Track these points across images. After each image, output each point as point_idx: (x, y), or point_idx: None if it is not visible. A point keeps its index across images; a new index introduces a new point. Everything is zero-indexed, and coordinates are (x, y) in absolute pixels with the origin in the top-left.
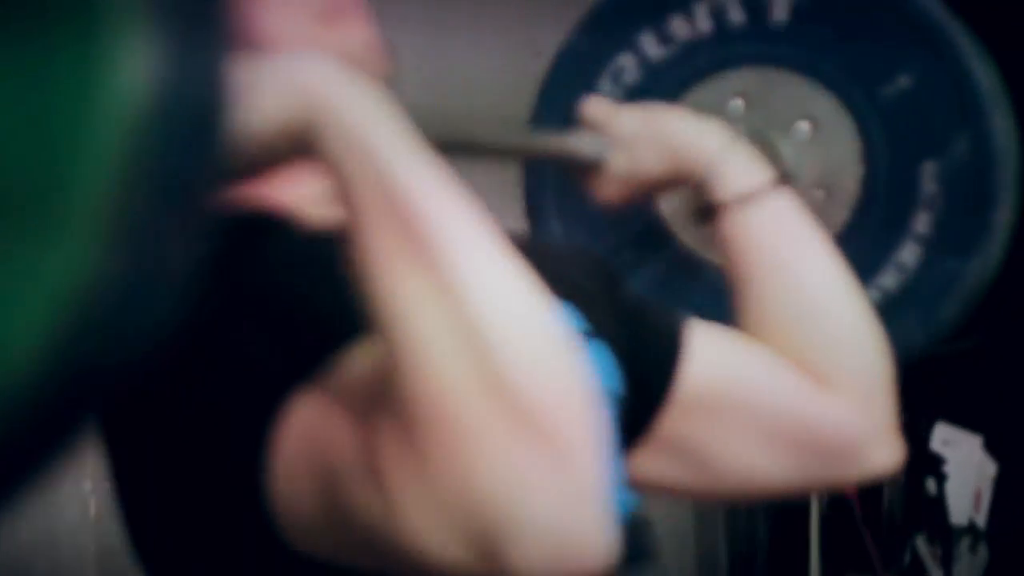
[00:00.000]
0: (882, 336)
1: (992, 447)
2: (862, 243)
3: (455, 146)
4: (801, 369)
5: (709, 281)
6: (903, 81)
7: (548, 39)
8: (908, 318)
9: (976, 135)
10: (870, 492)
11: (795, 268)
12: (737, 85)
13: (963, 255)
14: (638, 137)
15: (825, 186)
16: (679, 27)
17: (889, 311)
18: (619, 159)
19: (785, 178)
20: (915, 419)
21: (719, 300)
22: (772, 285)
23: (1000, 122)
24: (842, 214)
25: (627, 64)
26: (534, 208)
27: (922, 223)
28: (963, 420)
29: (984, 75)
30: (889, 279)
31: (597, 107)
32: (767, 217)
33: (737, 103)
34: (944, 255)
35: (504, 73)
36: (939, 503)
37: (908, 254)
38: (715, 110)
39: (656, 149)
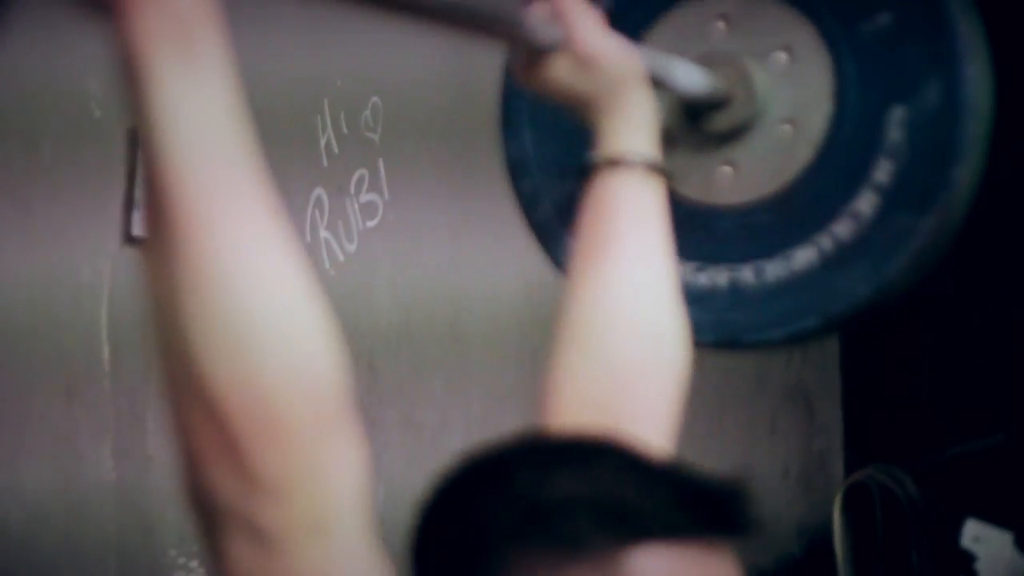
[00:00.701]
0: (676, 370)
1: (1023, 544)
2: (821, 187)
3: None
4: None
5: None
6: (882, 20)
7: None
8: (857, 270)
9: (947, 84)
10: None
11: (621, 257)
12: (720, 8)
13: (920, 210)
14: (583, 49)
15: (792, 121)
16: None
17: (839, 261)
18: (558, 60)
19: (662, 169)
20: (946, 517)
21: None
22: (596, 260)
23: (974, 72)
24: (805, 153)
25: None
26: (508, 117)
27: (883, 172)
28: (994, 517)
29: (963, 22)
30: (843, 227)
31: (566, 6)
32: (622, 194)
33: (718, 26)
34: (901, 208)
35: None
36: None
37: (865, 203)
38: (696, 31)
39: (581, 70)
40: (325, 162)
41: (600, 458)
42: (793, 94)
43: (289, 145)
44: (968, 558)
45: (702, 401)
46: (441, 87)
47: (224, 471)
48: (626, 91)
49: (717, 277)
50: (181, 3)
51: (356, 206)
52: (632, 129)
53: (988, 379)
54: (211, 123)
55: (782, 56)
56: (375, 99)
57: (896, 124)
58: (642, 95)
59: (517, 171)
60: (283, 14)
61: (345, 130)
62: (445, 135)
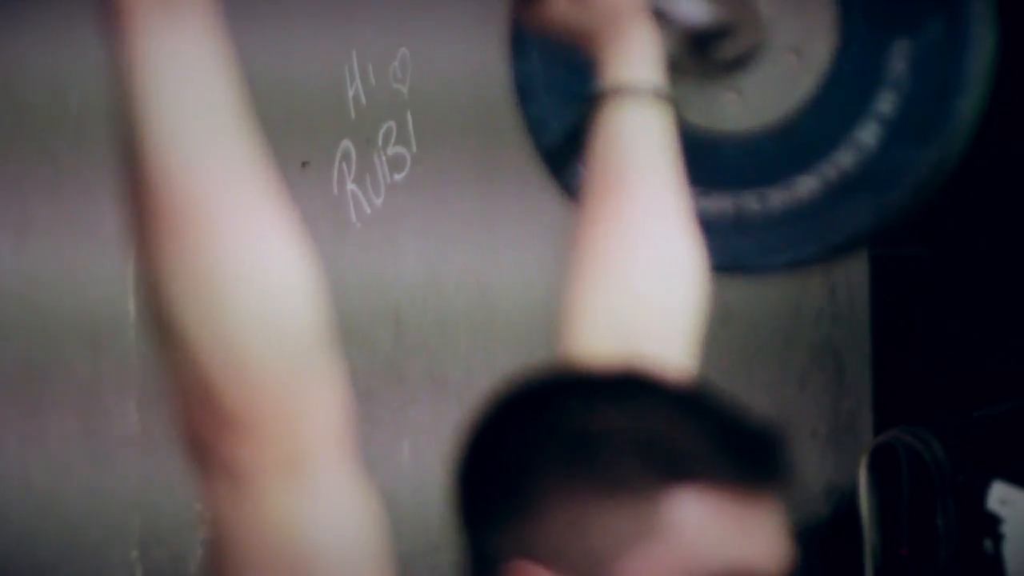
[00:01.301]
0: (692, 294)
1: None
2: (825, 117)
3: None
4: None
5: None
6: None
7: None
8: (859, 200)
9: (951, 17)
10: (925, 551)
11: (631, 185)
12: None
13: (922, 142)
14: None
15: (797, 51)
16: None
17: (842, 190)
18: None
19: (667, 96)
20: (972, 479)
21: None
22: (606, 188)
23: (977, 6)
24: (809, 83)
25: None
26: (515, 40)
27: (886, 103)
28: (1020, 480)
29: None
30: (846, 157)
31: None
32: (628, 123)
33: None
34: (903, 139)
35: None
36: (997, 563)
37: (868, 134)
38: None
39: (578, 3)
40: (353, 114)
41: (644, 393)
42: (797, 23)
43: (317, 97)
44: (994, 520)
45: (731, 358)
46: (471, 39)
47: (198, 408)
48: (625, 22)
49: (721, 203)
50: (179, 15)
51: (384, 159)
52: (635, 58)
53: (1018, 341)
54: (195, 78)
55: None
56: (403, 50)
57: (900, 56)
58: (643, 24)
59: (525, 96)
60: None
61: (373, 81)
62: (474, 88)
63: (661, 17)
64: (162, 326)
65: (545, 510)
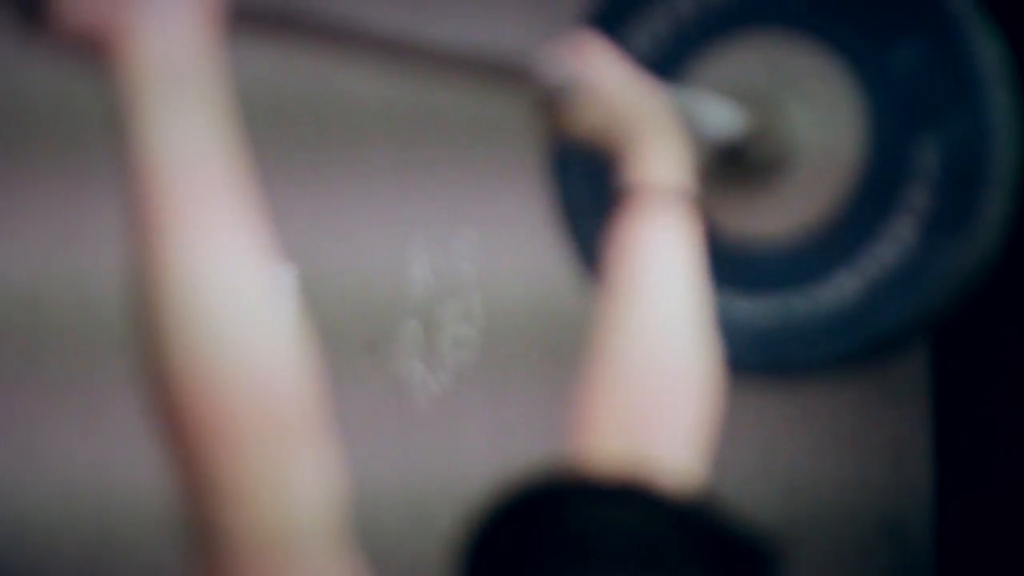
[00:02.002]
0: (704, 394)
1: None
2: (861, 213)
3: (420, 59)
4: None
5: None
6: (909, 50)
7: None
8: (902, 294)
9: (975, 109)
10: None
11: (647, 285)
12: (752, 44)
13: (956, 232)
14: (598, 88)
15: (828, 150)
16: None
17: (884, 285)
18: (577, 102)
19: (690, 198)
20: None
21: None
22: (623, 288)
23: (1000, 98)
24: (842, 180)
25: (658, 16)
26: (558, 165)
27: (918, 196)
28: None
29: (988, 49)
30: (886, 251)
31: (581, 47)
32: (647, 223)
33: (752, 61)
34: (938, 230)
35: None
36: None
37: (904, 228)
38: (730, 67)
39: (604, 107)
40: (418, 295)
41: (646, 501)
42: (826, 123)
43: (381, 278)
44: None
45: (793, 530)
46: (535, 221)
47: (185, 473)
48: (649, 127)
49: (768, 305)
50: (174, 42)
51: (448, 340)
52: (660, 160)
53: None
54: (199, 152)
55: (814, 87)
56: (468, 231)
57: (927, 149)
58: (667, 129)
59: (571, 216)
60: (373, 152)
61: (437, 262)
62: (539, 270)
63: (693, 130)
64: (152, 385)
65: None
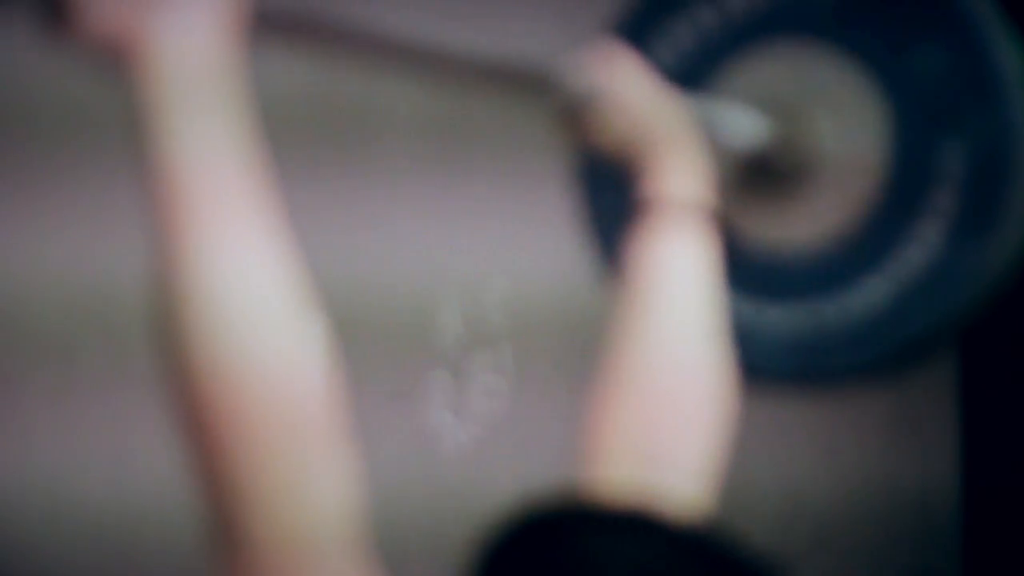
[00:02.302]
0: (715, 406)
1: None
2: (888, 217)
3: (445, 66)
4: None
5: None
6: (929, 56)
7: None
8: (931, 296)
9: (996, 111)
10: None
11: (661, 297)
12: (776, 54)
13: (983, 232)
14: (621, 99)
15: (853, 157)
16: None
17: (914, 289)
18: (598, 112)
19: (708, 210)
20: None
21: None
22: (637, 298)
23: (1020, 99)
24: (868, 186)
25: (681, 28)
26: (584, 179)
27: (944, 198)
28: None
29: (1007, 52)
30: (914, 254)
31: (605, 58)
32: (673, 239)
33: (776, 71)
34: (965, 232)
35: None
36: None
37: (931, 230)
38: (754, 77)
39: (627, 118)
40: (447, 344)
41: (651, 530)
42: (851, 130)
43: (410, 326)
44: None
45: None
46: (566, 270)
47: (206, 473)
48: (671, 140)
49: (796, 312)
50: (195, 47)
51: (478, 388)
52: (677, 173)
53: None
54: (219, 155)
55: (837, 94)
56: (499, 279)
57: (951, 152)
58: (689, 142)
59: (598, 229)
60: (405, 199)
61: (467, 310)
62: (569, 318)
63: (718, 140)
64: (172, 381)
65: None
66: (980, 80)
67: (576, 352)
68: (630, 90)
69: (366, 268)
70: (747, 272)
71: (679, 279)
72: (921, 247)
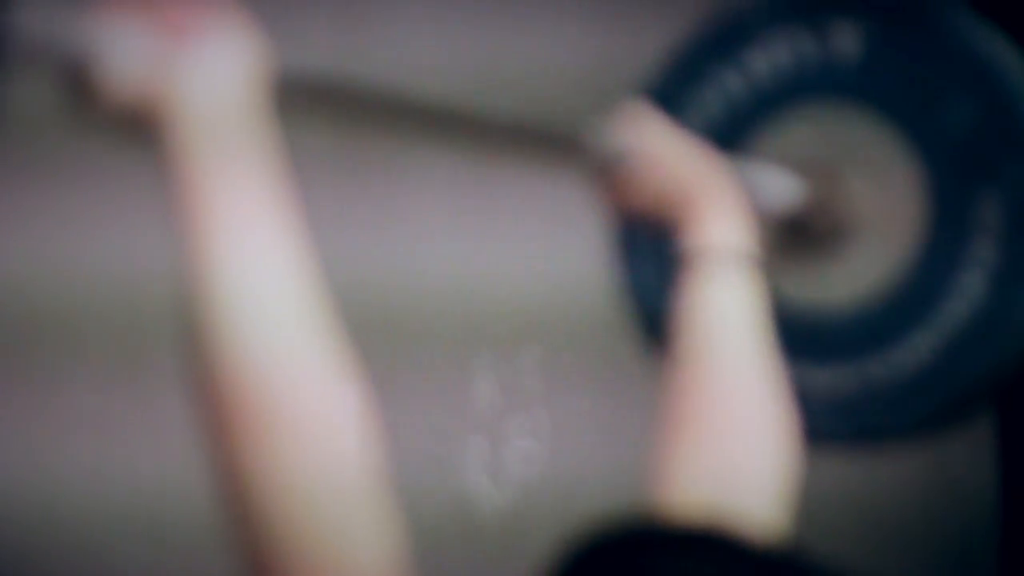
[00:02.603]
0: (778, 466)
1: None
2: (930, 271)
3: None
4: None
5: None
6: (959, 111)
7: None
8: (977, 348)
9: None
10: None
11: (710, 353)
12: (809, 117)
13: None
14: (654, 158)
15: (890, 214)
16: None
17: (960, 341)
18: (633, 173)
19: (756, 261)
20: None
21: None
22: (687, 355)
23: None
24: (907, 242)
25: (708, 96)
26: (623, 246)
27: (984, 249)
28: None
29: None
30: (958, 307)
31: (634, 119)
32: (720, 287)
33: (809, 133)
34: (1007, 281)
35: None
36: None
37: (973, 281)
38: (786, 141)
39: (661, 176)
40: (482, 409)
41: (726, 555)
42: (885, 187)
43: (445, 392)
44: None
45: None
46: (600, 336)
47: (230, 469)
48: (708, 193)
49: (843, 373)
50: (222, 109)
51: (513, 454)
52: (718, 223)
53: None
54: (249, 212)
55: (870, 153)
56: (534, 346)
57: (988, 203)
58: (726, 193)
59: (639, 298)
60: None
61: (503, 376)
62: (603, 384)
63: (755, 202)
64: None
65: None
66: (1011, 130)
67: (611, 402)
68: (663, 148)
69: (398, 281)
70: (789, 335)
71: (732, 324)
72: (964, 299)
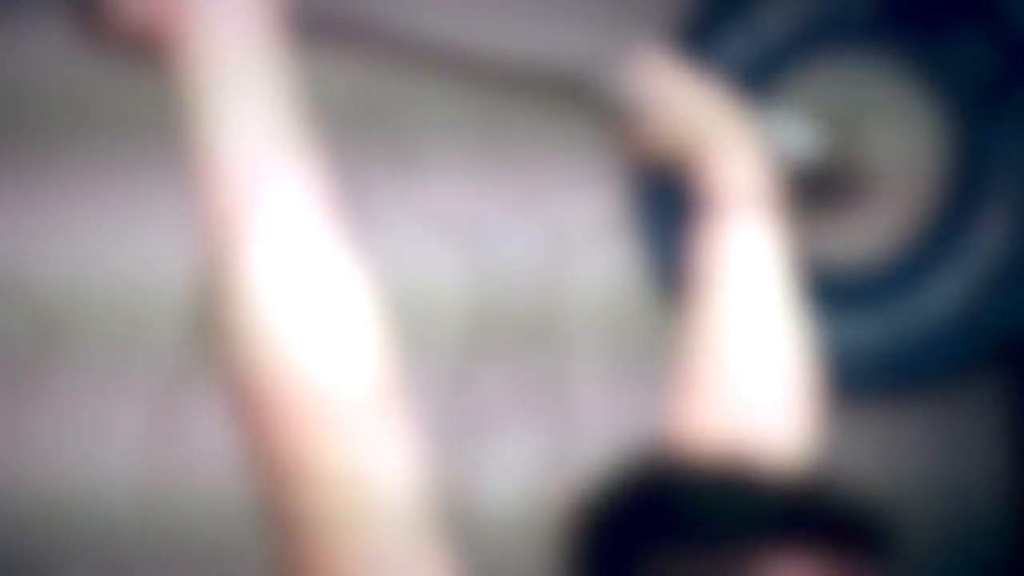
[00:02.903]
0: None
1: None
2: (952, 214)
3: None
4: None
5: None
6: (970, 47)
7: None
8: (1006, 289)
9: None
10: None
11: (727, 296)
12: (832, 67)
13: None
14: (668, 102)
15: (908, 159)
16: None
17: (987, 281)
18: (648, 118)
19: (772, 203)
20: None
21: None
22: (705, 298)
23: None
24: (927, 188)
25: (736, 41)
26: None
27: (1003, 183)
28: None
29: None
30: (983, 244)
31: (650, 63)
32: (739, 228)
33: (826, 82)
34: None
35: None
36: None
37: (995, 218)
38: (807, 91)
39: (677, 120)
40: None
41: (751, 486)
42: (905, 132)
43: None
44: None
45: None
46: None
47: (262, 456)
48: (724, 137)
49: (875, 323)
50: (235, 37)
51: None
52: (734, 166)
53: None
54: (265, 142)
55: (890, 98)
56: None
57: (1006, 135)
58: (743, 138)
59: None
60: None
61: None
62: None
63: (777, 152)
64: (232, 375)
65: None
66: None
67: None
68: (678, 91)
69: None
70: (820, 289)
71: (751, 263)
72: (989, 236)
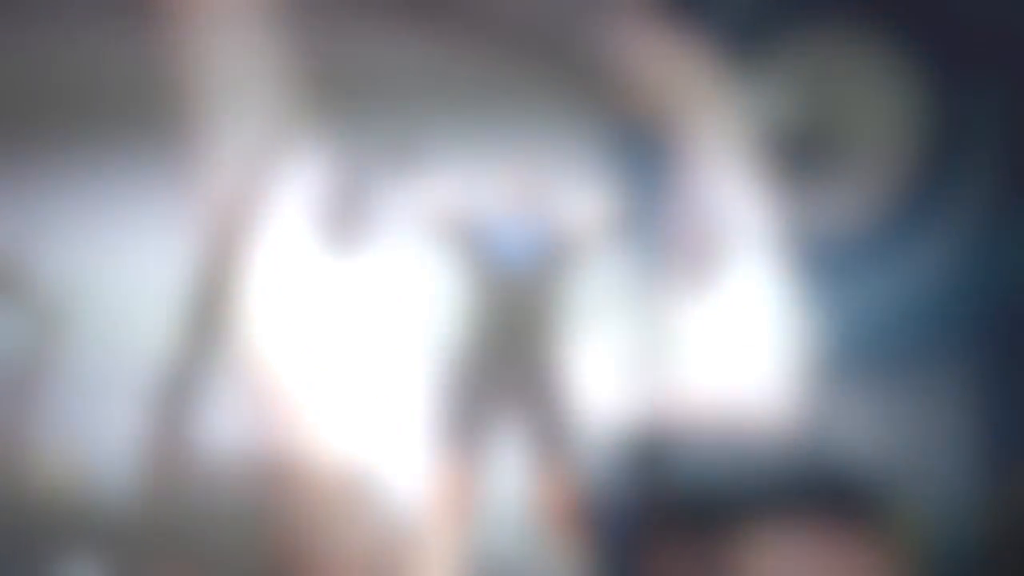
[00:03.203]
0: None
1: None
2: (933, 179)
3: None
4: None
5: None
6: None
7: None
8: (985, 256)
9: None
10: None
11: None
12: (821, 37)
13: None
14: (649, 63)
15: (894, 125)
16: None
17: (977, 240)
18: (629, 78)
19: (750, 154)
20: None
21: None
22: None
23: None
24: (909, 153)
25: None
26: None
27: (981, 162)
28: None
29: None
30: (968, 207)
31: (632, 25)
32: (719, 186)
33: (820, 53)
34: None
35: None
36: None
37: (979, 181)
38: (799, 59)
39: (655, 81)
40: None
41: (740, 444)
42: (886, 98)
43: None
44: None
45: None
46: None
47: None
48: (701, 94)
49: (864, 292)
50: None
51: None
52: (712, 125)
53: None
54: (262, 130)
55: (870, 66)
56: None
57: (989, 101)
58: (719, 96)
59: None
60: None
61: None
62: None
63: (754, 119)
64: None
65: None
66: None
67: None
68: (659, 53)
69: None
70: (797, 257)
71: (735, 222)
72: (968, 204)
